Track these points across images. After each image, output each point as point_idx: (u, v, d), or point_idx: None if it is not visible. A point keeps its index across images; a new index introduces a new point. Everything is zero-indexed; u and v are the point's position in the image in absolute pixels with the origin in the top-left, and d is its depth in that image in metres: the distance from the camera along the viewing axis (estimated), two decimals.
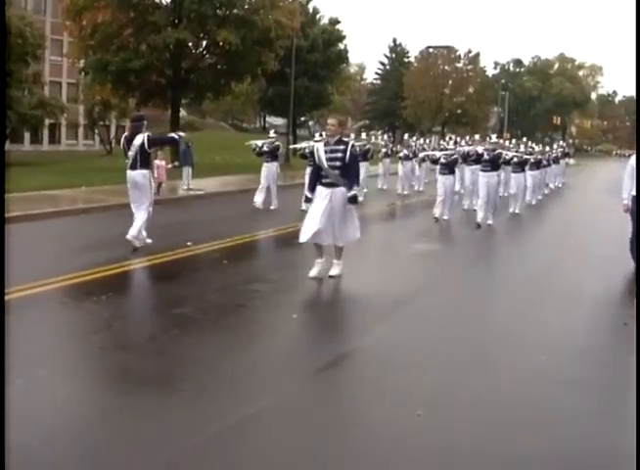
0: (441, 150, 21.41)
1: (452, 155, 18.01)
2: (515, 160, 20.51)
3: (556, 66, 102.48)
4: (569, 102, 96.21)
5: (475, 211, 17.82)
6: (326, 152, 9.71)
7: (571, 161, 46.26)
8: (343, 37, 48.02)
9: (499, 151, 17.80)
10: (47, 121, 45.11)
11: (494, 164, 17.21)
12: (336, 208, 9.62)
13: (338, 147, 9.66)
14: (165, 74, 31.96)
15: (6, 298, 7.89)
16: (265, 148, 18.80)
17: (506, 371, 6.35)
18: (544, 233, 17.61)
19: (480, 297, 9.64)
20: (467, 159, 19.45)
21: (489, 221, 17.00)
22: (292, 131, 42.31)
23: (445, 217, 17.48)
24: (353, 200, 9.67)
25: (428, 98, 75.70)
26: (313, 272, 9.71)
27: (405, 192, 25.22)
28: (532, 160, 22.90)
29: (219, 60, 32.29)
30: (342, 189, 9.58)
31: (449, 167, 17.71)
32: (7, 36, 33.52)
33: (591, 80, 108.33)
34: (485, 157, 17.34)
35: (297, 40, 37.75)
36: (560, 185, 33.63)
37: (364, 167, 21.04)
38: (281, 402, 5.44)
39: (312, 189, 9.93)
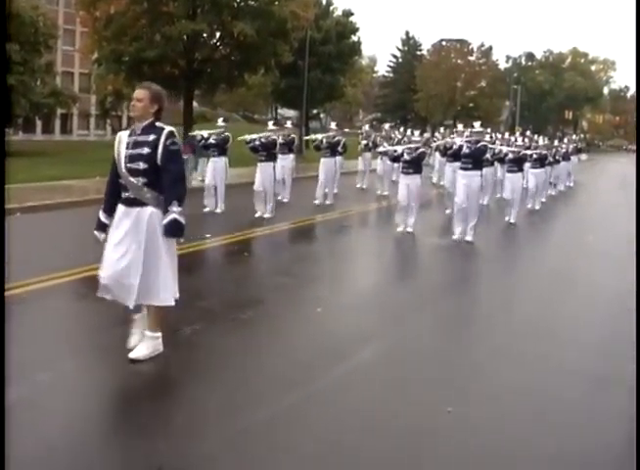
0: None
1: (417, 149, 13.88)
2: (510, 156, 16.93)
3: (568, 60, 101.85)
4: (581, 96, 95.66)
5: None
6: (128, 146, 5.92)
7: (584, 156, 44.41)
8: (357, 29, 47.77)
9: (483, 143, 13.83)
10: (59, 111, 45.04)
11: (476, 160, 13.37)
12: (142, 241, 5.79)
13: (145, 138, 5.87)
14: (179, 65, 31.85)
15: (25, 289, 7.89)
16: (212, 140, 16.06)
17: (535, 367, 6.29)
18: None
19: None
20: (446, 154, 15.66)
21: (468, 237, 13.14)
22: (304, 123, 42.22)
23: (409, 229, 13.73)
24: (172, 229, 5.80)
25: (440, 91, 75.48)
26: (133, 341, 6.11)
27: (386, 192, 21.21)
28: (535, 156, 19.17)
29: (233, 51, 32.15)
30: (151, 211, 5.82)
31: (414, 165, 13.83)
32: (20, 27, 33.48)
33: (604, 75, 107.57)
34: (465, 151, 13.40)
35: (311, 32, 37.61)
36: (571, 184, 29.43)
37: (334, 163, 18.85)
38: (309, 399, 5.38)
39: (109, 209, 6.05)
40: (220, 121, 16.77)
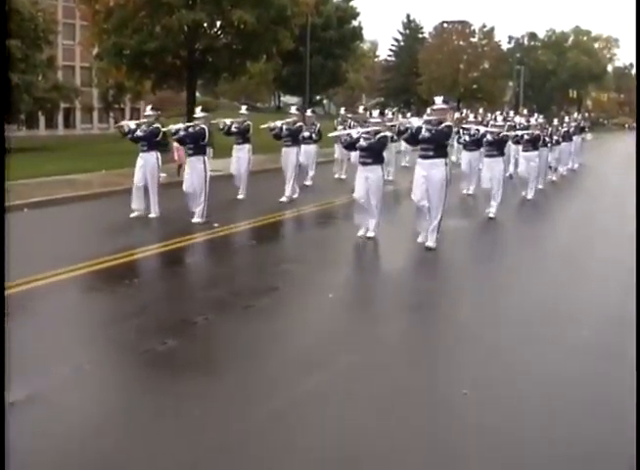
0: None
1: (377, 133, 10.98)
2: (488, 137, 14.18)
3: (571, 38, 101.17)
4: (584, 75, 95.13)
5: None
6: None
7: (589, 136, 42.41)
8: (357, 14, 47.66)
9: (447, 124, 10.68)
10: (62, 105, 44.96)
11: (438, 146, 10.47)
12: None
13: None
14: (180, 56, 31.78)
15: (38, 284, 7.88)
16: (139, 132, 13.23)
17: (550, 347, 6.26)
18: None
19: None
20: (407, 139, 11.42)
21: (428, 243, 10.49)
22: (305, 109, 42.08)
23: (370, 234, 11.11)
24: None
25: (443, 74, 75.09)
26: None
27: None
28: (526, 137, 16.74)
29: (234, 40, 32.04)
30: None
31: (374, 154, 11.04)
32: (21, 23, 33.42)
33: (607, 53, 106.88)
34: (424, 135, 10.40)
35: (312, 18, 37.43)
36: (575, 167, 26.44)
37: (296, 153, 15.95)
38: (325, 384, 5.36)
39: None
40: (148, 109, 13.93)
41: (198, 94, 39.52)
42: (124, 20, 29.45)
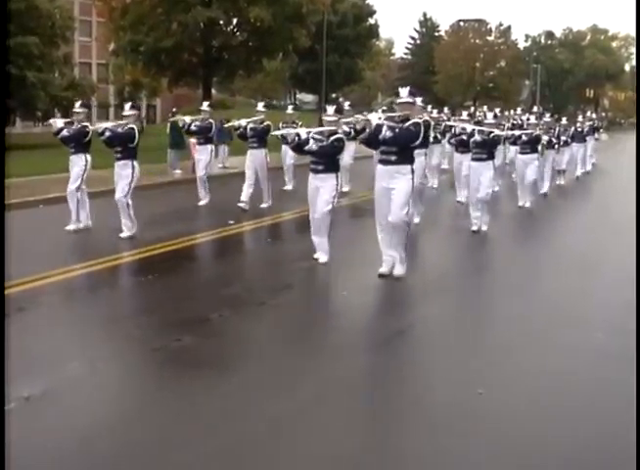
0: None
1: (331, 134, 9.09)
2: (477, 138, 12.17)
3: (588, 37, 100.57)
4: (602, 74, 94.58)
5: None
6: None
7: (604, 136, 40.15)
8: (374, 12, 47.60)
9: (415, 121, 8.28)
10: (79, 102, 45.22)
11: (403, 149, 8.23)
12: None
13: None
14: (197, 53, 31.86)
15: (52, 280, 7.87)
16: (66, 132, 11.52)
17: (562, 350, 6.17)
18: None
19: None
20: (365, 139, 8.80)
21: (396, 271, 8.41)
22: (323, 108, 42.08)
23: (318, 256, 9.18)
24: None
25: (459, 72, 74.89)
26: None
27: (345, 188, 15.07)
28: (524, 137, 15.09)
29: (250, 37, 32.11)
30: None
31: (326, 159, 9.11)
32: (38, 20, 33.55)
33: (625, 51, 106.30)
34: (386, 134, 8.14)
35: (328, 16, 37.39)
36: (587, 169, 24.18)
37: (265, 155, 14.10)
38: (340, 382, 5.33)
39: None
40: (77, 106, 12.24)
41: (214, 91, 39.62)
42: (141, 17, 29.58)
